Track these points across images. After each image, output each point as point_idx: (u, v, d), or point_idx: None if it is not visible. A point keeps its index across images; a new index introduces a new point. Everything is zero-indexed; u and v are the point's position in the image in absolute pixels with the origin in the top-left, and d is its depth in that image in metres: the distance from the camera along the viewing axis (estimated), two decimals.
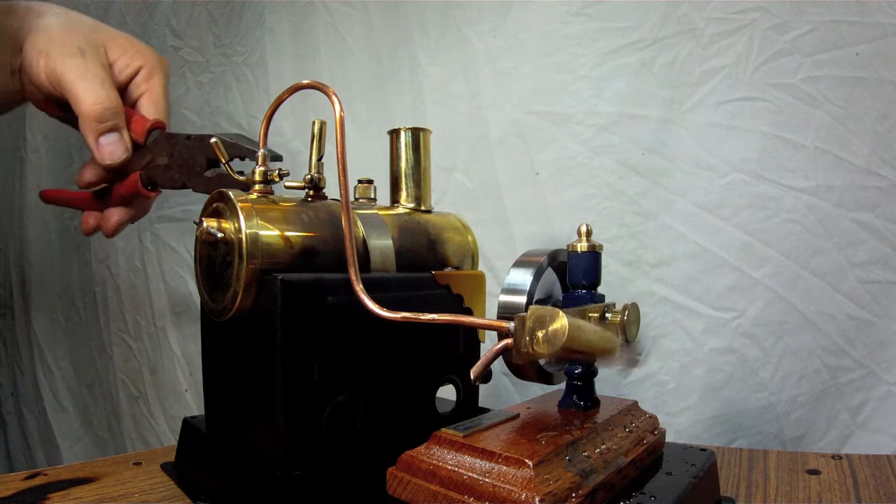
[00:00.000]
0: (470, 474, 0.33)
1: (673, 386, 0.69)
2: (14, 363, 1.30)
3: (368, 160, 0.82)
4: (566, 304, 0.44)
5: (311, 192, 0.48)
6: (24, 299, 1.23)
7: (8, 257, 1.27)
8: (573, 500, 0.32)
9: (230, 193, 0.43)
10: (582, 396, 0.43)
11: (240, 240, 0.41)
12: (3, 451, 1.36)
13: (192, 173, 0.55)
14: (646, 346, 0.69)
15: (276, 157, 0.49)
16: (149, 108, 0.59)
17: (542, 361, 0.44)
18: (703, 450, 0.45)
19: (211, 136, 0.50)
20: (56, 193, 0.65)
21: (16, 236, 1.23)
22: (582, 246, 0.42)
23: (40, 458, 1.23)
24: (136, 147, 0.58)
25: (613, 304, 0.43)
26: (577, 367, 0.43)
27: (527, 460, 0.32)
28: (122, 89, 0.58)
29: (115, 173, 0.59)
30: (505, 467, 0.33)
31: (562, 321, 0.31)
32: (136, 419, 1.06)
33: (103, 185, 0.61)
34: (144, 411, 1.04)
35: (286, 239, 0.43)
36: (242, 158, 0.52)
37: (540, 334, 0.31)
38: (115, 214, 0.61)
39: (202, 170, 0.54)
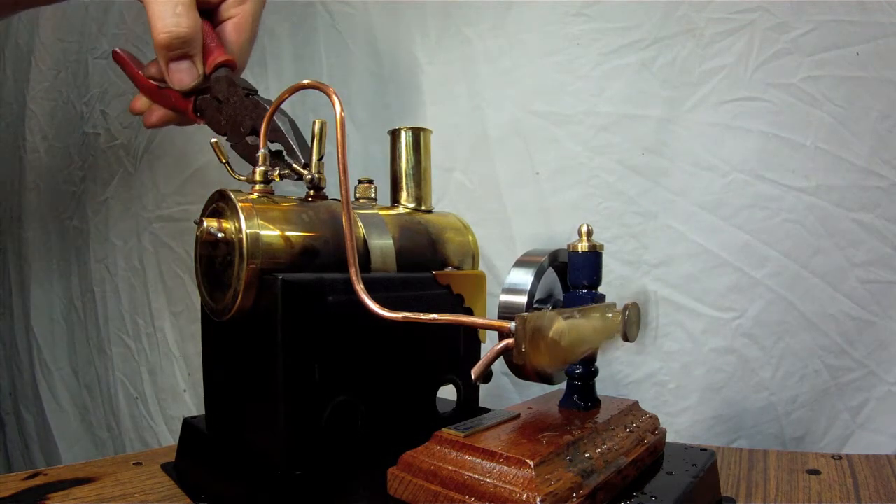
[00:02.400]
0: (471, 474, 0.33)
1: (673, 386, 0.69)
2: (13, 363, 1.29)
3: (369, 160, 0.82)
4: (567, 303, 0.44)
5: (312, 192, 0.48)
6: (22, 299, 1.23)
7: (7, 257, 1.27)
8: (574, 500, 0.32)
9: (230, 193, 0.43)
10: (583, 396, 0.43)
11: (240, 239, 0.41)
12: (2, 451, 1.35)
13: (234, 130, 0.54)
14: (645, 341, 0.69)
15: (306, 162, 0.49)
16: (231, 35, 0.57)
17: (543, 362, 0.44)
18: (704, 450, 0.45)
19: (268, 104, 0.48)
20: (127, 59, 0.62)
21: (15, 236, 1.23)
22: (582, 246, 0.42)
23: (39, 458, 1.23)
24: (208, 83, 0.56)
25: (614, 304, 0.42)
26: (577, 367, 0.43)
27: (528, 460, 0.32)
28: (213, 9, 0.56)
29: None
30: (506, 467, 0.33)
31: (562, 321, 0.31)
32: (135, 419, 1.06)
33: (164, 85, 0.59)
34: (143, 412, 1.04)
35: (287, 239, 0.43)
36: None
37: (541, 335, 0.31)
38: (161, 112, 0.60)
39: (245, 132, 0.53)
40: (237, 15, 0.57)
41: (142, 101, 0.61)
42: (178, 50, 0.53)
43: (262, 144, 0.47)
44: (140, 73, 0.60)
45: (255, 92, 0.54)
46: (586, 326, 0.36)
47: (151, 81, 0.59)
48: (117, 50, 0.62)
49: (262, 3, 0.60)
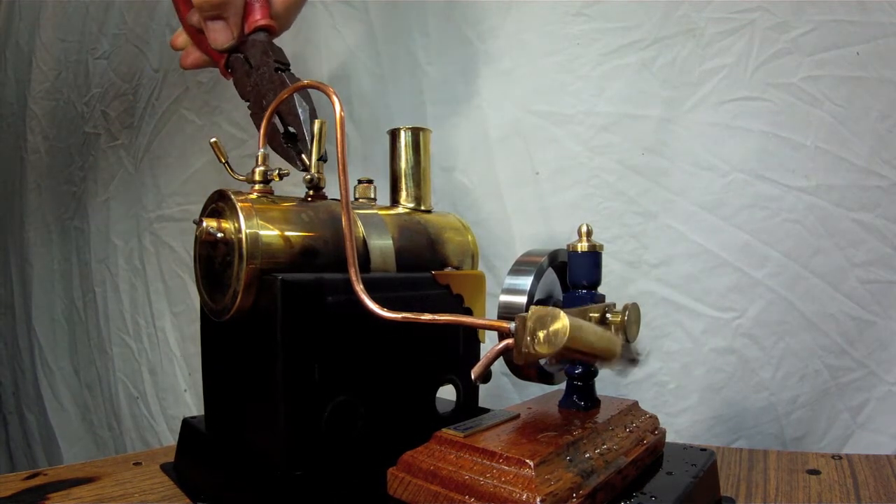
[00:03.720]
0: (470, 474, 0.33)
1: (673, 386, 0.69)
2: (15, 363, 1.30)
3: (369, 160, 0.82)
4: (566, 304, 0.44)
5: (311, 192, 0.48)
6: (24, 299, 1.23)
7: (8, 257, 1.27)
8: (574, 500, 0.32)
9: (230, 193, 0.43)
10: (582, 396, 0.43)
11: (240, 240, 0.41)
12: (5, 450, 1.36)
13: (257, 101, 0.54)
14: (646, 345, 0.69)
15: (323, 158, 0.49)
16: None
17: (542, 362, 0.44)
18: (704, 450, 0.45)
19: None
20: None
21: (16, 236, 1.23)
22: (582, 246, 0.42)
23: (41, 457, 1.23)
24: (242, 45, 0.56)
25: (614, 305, 0.42)
26: (577, 368, 0.43)
27: (528, 460, 0.32)
28: None
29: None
30: (506, 467, 0.33)
31: (563, 321, 0.31)
32: (136, 419, 1.06)
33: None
34: (144, 411, 1.04)
35: (286, 239, 0.43)
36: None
37: (541, 334, 0.31)
38: (197, 55, 0.60)
39: (266, 107, 0.52)
40: None
41: (182, 38, 0.61)
42: (209, 11, 0.53)
43: (260, 144, 0.47)
44: (187, 10, 0.59)
45: (287, 67, 0.54)
46: (586, 326, 0.36)
47: (194, 26, 0.59)
48: None
49: None
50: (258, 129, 0.52)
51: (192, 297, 0.95)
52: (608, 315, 0.41)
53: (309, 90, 0.51)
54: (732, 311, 0.67)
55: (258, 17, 0.55)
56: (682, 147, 0.68)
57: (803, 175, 0.64)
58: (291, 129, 0.51)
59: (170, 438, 0.99)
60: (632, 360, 0.44)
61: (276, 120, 0.52)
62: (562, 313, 0.31)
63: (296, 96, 0.51)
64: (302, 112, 0.50)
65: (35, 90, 1.13)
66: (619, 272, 0.70)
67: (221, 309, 0.43)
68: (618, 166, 0.70)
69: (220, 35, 0.54)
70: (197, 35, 0.59)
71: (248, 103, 0.56)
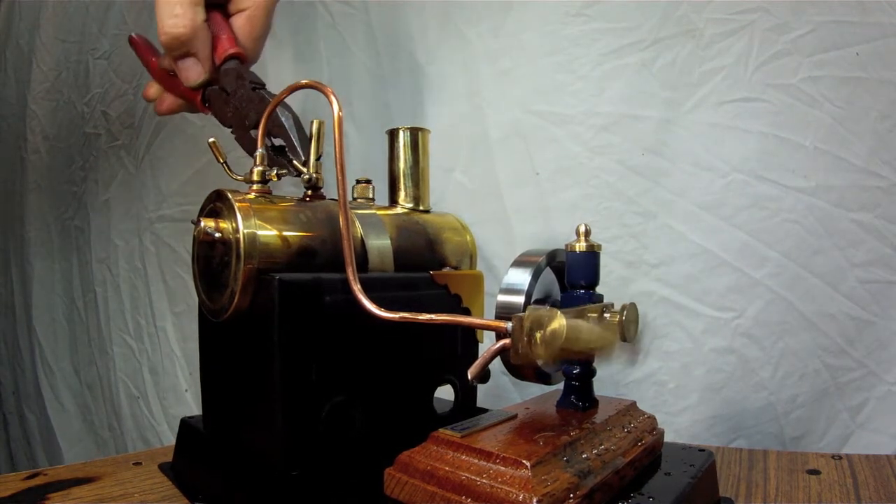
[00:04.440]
0: (467, 475, 0.33)
1: (673, 386, 0.69)
2: (15, 363, 1.30)
3: (368, 160, 0.82)
4: (564, 304, 0.43)
5: (310, 192, 0.48)
6: (24, 299, 1.23)
7: (8, 257, 1.27)
8: (571, 500, 0.32)
9: (227, 193, 0.43)
10: (580, 397, 0.43)
11: (237, 240, 0.41)
12: (5, 450, 1.36)
13: (239, 123, 0.54)
14: (644, 343, 0.69)
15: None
16: (243, 28, 0.57)
17: (539, 362, 0.44)
18: (702, 450, 0.45)
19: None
20: (143, 45, 0.62)
21: (16, 236, 1.23)
22: (580, 246, 0.42)
23: (41, 457, 1.23)
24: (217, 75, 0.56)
25: (612, 304, 0.42)
26: (575, 368, 0.43)
27: (524, 461, 0.32)
28: (226, 1, 0.57)
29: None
30: (502, 468, 0.33)
31: (559, 321, 0.31)
32: (137, 419, 1.06)
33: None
34: (145, 411, 1.04)
35: (284, 239, 0.43)
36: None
37: (538, 335, 0.31)
38: (170, 101, 0.61)
39: (250, 126, 0.53)
40: (249, 7, 0.57)
41: (154, 88, 0.62)
42: (177, 50, 0.54)
43: (259, 144, 0.47)
44: (154, 60, 0.60)
45: (262, 86, 0.54)
46: (584, 326, 0.36)
47: (164, 69, 0.59)
48: (133, 35, 0.63)
49: None
50: (244, 149, 0.52)
51: (193, 297, 0.95)
52: (606, 315, 0.41)
53: (306, 91, 0.51)
54: (732, 311, 0.66)
55: (227, 47, 0.55)
56: (681, 147, 0.68)
57: (803, 175, 0.63)
58: (277, 142, 0.51)
59: (171, 438, 0.98)
60: (629, 357, 0.44)
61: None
62: (558, 314, 0.31)
63: (278, 108, 0.51)
64: (286, 120, 0.50)
65: (35, 90, 1.14)
66: (619, 272, 0.70)
67: (219, 309, 0.43)
68: (618, 166, 0.70)
69: (192, 72, 0.55)
70: (168, 80, 0.59)
71: (230, 129, 0.56)
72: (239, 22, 0.57)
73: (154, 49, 0.61)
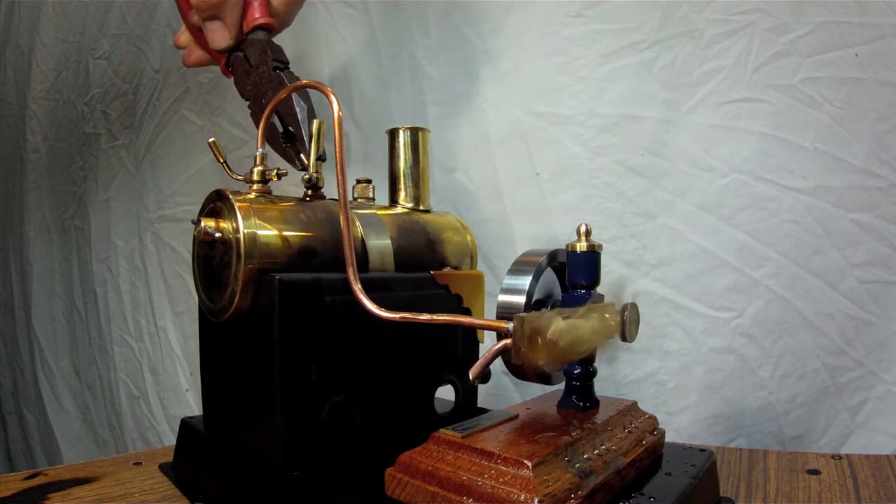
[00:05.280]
0: (468, 475, 0.33)
1: (672, 385, 0.69)
2: (14, 363, 1.30)
3: (369, 160, 0.82)
4: (565, 304, 0.43)
5: (310, 192, 0.48)
6: (24, 299, 1.23)
7: (8, 257, 1.27)
8: (572, 500, 0.32)
9: (228, 193, 0.43)
10: (581, 397, 0.43)
11: (238, 239, 0.41)
12: (4, 450, 1.36)
13: (257, 100, 0.54)
14: (644, 343, 0.69)
15: (321, 158, 0.49)
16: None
17: (541, 362, 0.44)
18: (703, 450, 0.45)
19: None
20: None
21: (16, 236, 1.23)
22: (581, 246, 0.42)
23: (41, 457, 1.23)
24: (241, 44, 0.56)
25: (613, 305, 0.42)
26: (576, 368, 0.43)
27: (526, 461, 0.32)
28: None
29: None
30: (504, 468, 0.33)
31: (557, 325, 0.31)
32: (137, 419, 1.06)
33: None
34: (145, 411, 1.04)
35: (284, 239, 0.43)
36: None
37: (538, 342, 0.31)
38: (199, 53, 0.61)
39: (265, 105, 0.52)
40: None
41: (185, 37, 0.62)
42: (205, 12, 0.54)
43: (259, 144, 0.47)
44: (189, 8, 0.59)
45: (286, 66, 0.54)
46: (584, 327, 0.36)
47: (195, 24, 0.59)
48: None
49: None
50: (257, 127, 0.52)
51: (193, 297, 0.95)
52: (607, 315, 0.41)
53: (308, 90, 0.51)
54: (731, 311, 0.67)
55: (257, 16, 0.55)
56: (681, 148, 0.68)
57: (802, 176, 0.64)
58: (291, 129, 0.52)
59: (171, 438, 0.98)
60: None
61: (276, 120, 0.52)
62: (557, 318, 0.31)
63: (294, 96, 0.51)
64: (300, 111, 0.51)
65: (35, 90, 1.13)
66: (619, 272, 0.70)
67: (219, 309, 0.43)
68: (618, 167, 0.70)
69: (218, 35, 0.55)
70: (198, 34, 0.59)
71: (247, 102, 0.56)
72: None
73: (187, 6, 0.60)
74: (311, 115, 0.51)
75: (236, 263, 0.41)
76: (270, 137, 0.53)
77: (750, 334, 0.66)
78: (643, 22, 0.68)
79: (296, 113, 0.51)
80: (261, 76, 0.54)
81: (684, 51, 0.67)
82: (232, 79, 0.58)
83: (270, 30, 0.56)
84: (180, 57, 0.62)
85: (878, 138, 0.61)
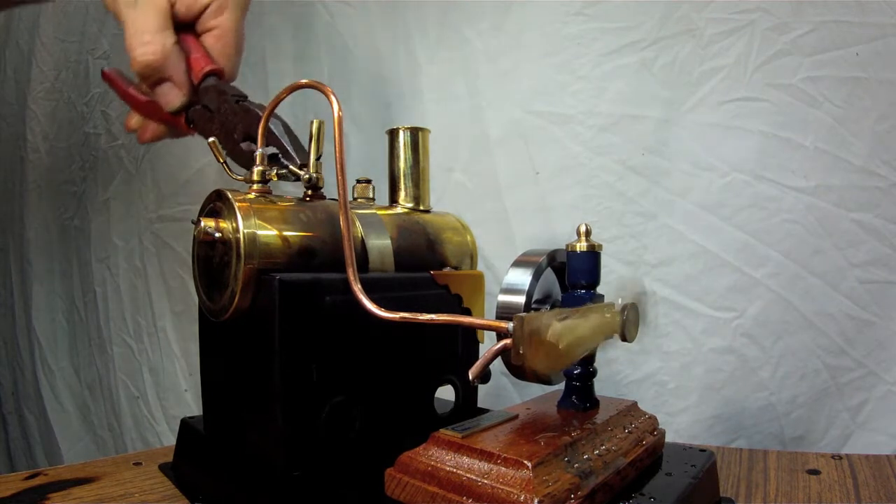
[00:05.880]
0: (468, 475, 0.33)
1: (673, 386, 0.69)
2: (14, 363, 1.30)
3: (367, 160, 0.82)
4: (565, 304, 0.43)
5: (310, 192, 0.48)
6: (24, 299, 1.23)
7: (8, 257, 1.27)
8: (572, 501, 0.32)
9: (227, 193, 0.43)
10: (581, 397, 0.43)
11: (237, 239, 0.41)
12: (5, 450, 1.36)
13: (228, 137, 0.54)
14: (644, 343, 0.69)
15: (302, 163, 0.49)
16: (213, 45, 0.57)
17: (542, 368, 0.44)
18: (703, 450, 0.45)
19: (259, 109, 0.49)
20: (116, 77, 0.62)
21: (16, 236, 1.23)
22: (581, 245, 0.42)
23: (41, 457, 1.23)
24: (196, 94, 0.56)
25: (613, 305, 0.42)
26: (576, 368, 0.43)
27: (525, 461, 0.32)
28: (193, 21, 0.57)
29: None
30: (503, 468, 0.33)
31: (554, 328, 0.31)
32: (137, 419, 1.06)
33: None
34: (144, 411, 1.04)
35: (284, 239, 0.43)
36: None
37: (538, 343, 0.31)
38: (153, 128, 0.61)
39: (239, 139, 0.53)
40: (217, 26, 0.57)
41: (135, 118, 0.62)
42: (152, 77, 0.54)
43: (259, 144, 0.47)
44: (130, 90, 0.60)
45: (244, 97, 0.54)
46: (584, 327, 0.36)
47: (142, 97, 0.59)
48: (106, 70, 0.63)
49: (242, 12, 0.60)
50: (238, 163, 0.52)
51: (193, 297, 0.95)
52: (607, 315, 0.41)
53: (306, 91, 0.51)
54: (732, 311, 0.67)
55: (203, 65, 0.55)
56: (681, 147, 0.68)
57: (802, 175, 0.64)
58: (270, 151, 0.51)
59: (170, 438, 0.98)
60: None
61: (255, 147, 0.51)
62: (555, 322, 0.31)
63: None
64: (275, 128, 0.50)
65: (35, 90, 1.13)
66: (619, 272, 0.70)
67: (219, 309, 0.43)
68: (618, 166, 0.70)
69: (171, 96, 0.55)
70: (147, 107, 0.59)
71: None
72: (209, 41, 0.57)
73: (128, 79, 0.61)
74: (288, 127, 0.51)
75: (236, 263, 0.41)
76: (229, 145, 0.53)
77: (750, 334, 0.66)
78: (643, 21, 0.68)
79: (272, 131, 0.50)
80: (225, 114, 0.54)
81: (685, 50, 0.67)
82: (195, 134, 0.58)
83: (220, 76, 0.56)
84: (137, 136, 0.62)
85: (879, 138, 0.61)
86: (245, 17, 0.60)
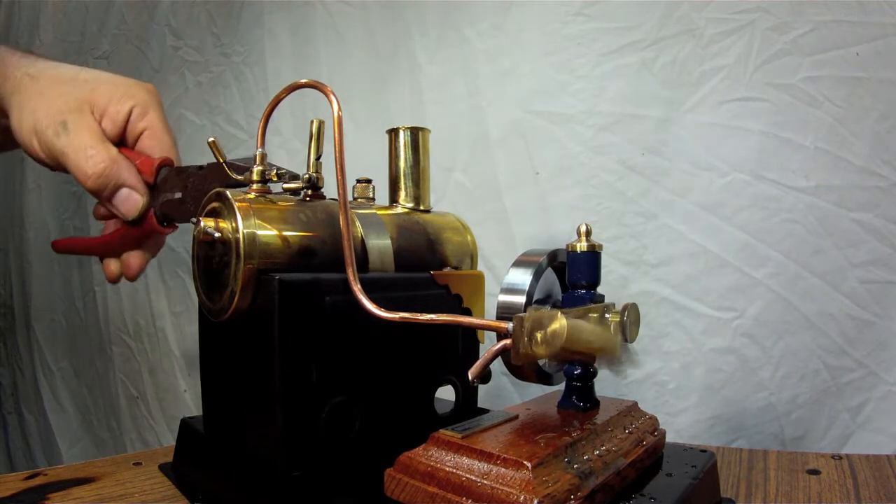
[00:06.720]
0: (468, 476, 0.33)
1: (673, 386, 0.69)
2: (14, 363, 1.30)
3: (367, 160, 0.82)
4: (565, 304, 0.43)
5: (310, 192, 0.48)
6: (24, 299, 1.23)
7: (8, 257, 1.27)
8: (572, 501, 0.32)
9: (227, 193, 0.43)
10: (581, 397, 0.43)
11: (237, 239, 0.41)
12: (4, 450, 1.36)
13: (203, 195, 0.52)
14: (644, 343, 0.69)
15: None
16: (152, 144, 0.57)
17: (541, 362, 0.44)
18: (704, 451, 0.45)
19: (222, 161, 0.47)
20: (68, 243, 0.61)
21: (16, 236, 1.23)
22: (581, 245, 0.42)
23: (40, 457, 1.23)
24: (149, 187, 0.55)
25: (613, 305, 0.42)
26: (576, 368, 0.43)
27: (525, 462, 0.32)
28: (121, 133, 0.56)
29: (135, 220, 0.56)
30: (503, 469, 0.33)
31: (560, 322, 0.31)
32: (136, 419, 1.06)
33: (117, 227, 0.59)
34: (144, 411, 1.04)
35: (284, 239, 0.43)
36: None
37: (538, 335, 0.31)
38: (135, 258, 0.59)
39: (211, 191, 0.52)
40: (147, 126, 0.57)
41: (112, 264, 0.60)
42: (109, 187, 0.53)
43: (259, 144, 0.47)
44: (88, 240, 0.59)
45: (203, 166, 0.53)
46: (585, 325, 0.36)
47: (105, 235, 0.59)
48: (55, 241, 0.63)
49: (161, 104, 0.59)
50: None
51: (193, 298, 0.95)
52: (608, 315, 0.41)
53: (306, 91, 0.51)
54: (732, 311, 0.66)
55: (153, 161, 0.55)
56: (681, 147, 0.68)
57: (803, 175, 0.63)
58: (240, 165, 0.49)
59: (170, 439, 0.99)
60: (630, 358, 0.44)
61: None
62: (559, 314, 0.31)
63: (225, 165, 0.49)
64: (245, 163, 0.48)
65: None
66: (619, 272, 0.70)
67: (219, 309, 0.43)
68: (618, 166, 0.70)
69: (131, 200, 0.54)
70: (118, 242, 0.58)
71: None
72: (146, 143, 0.57)
73: (81, 237, 0.60)
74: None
75: (236, 263, 0.41)
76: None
77: (751, 334, 0.66)
78: (643, 20, 0.68)
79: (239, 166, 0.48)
80: (195, 186, 0.52)
81: (685, 49, 0.67)
82: (174, 230, 0.57)
83: (170, 165, 0.56)
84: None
85: (879, 137, 0.61)
86: (163, 112, 0.60)
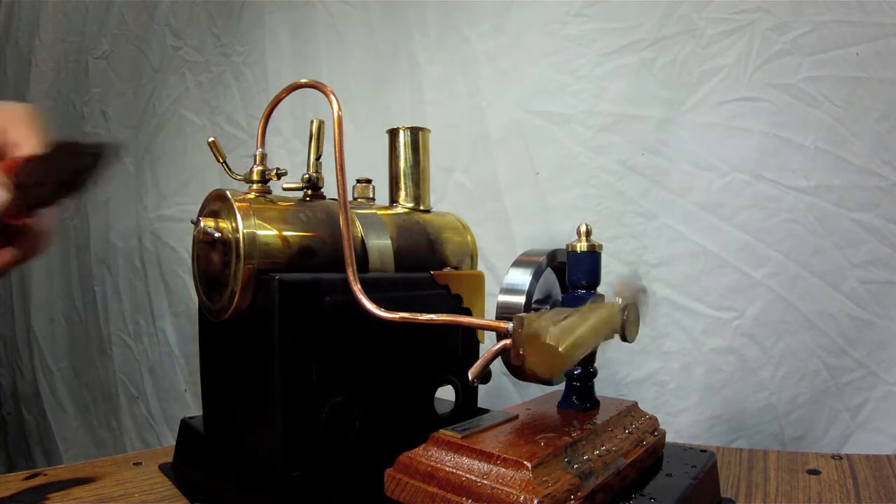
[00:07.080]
0: (468, 476, 0.33)
1: (673, 386, 0.69)
2: (14, 363, 1.30)
3: (367, 160, 0.82)
4: (565, 304, 0.43)
5: (310, 192, 0.48)
6: (23, 299, 1.23)
7: None
8: (572, 501, 0.32)
9: (227, 193, 0.43)
10: (581, 397, 0.43)
11: (237, 239, 0.41)
12: (4, 450, 1.36)
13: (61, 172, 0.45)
14: (644, 343, 0.69)
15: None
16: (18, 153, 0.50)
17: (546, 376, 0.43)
18: (704, 451, 0.45)
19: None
20: None
21: None
22: (581, 245, 0.42)
23: (40, 458, 1.23)
24: (18, 186, 0.47)
25: (613, 304, 0.42)
26: (576, 368, 0.43)
27: (525, 462, 0.32)
28: None
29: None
30: (503, 469, 0.33)
31: (553, 336, 0.31)
32: (136, 419, 1.06)
33: None
34: (144, 411, 1.04)
35: (284, 239, 0.43)
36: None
37: (538, 346, 0.31)
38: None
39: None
40: (8, 143, 0.48)
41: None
42: None
43: (258, 144, 0.47)
44: None
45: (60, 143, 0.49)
46: (584, 328, 0.36)
47: None
48: None
49: (28, 118, 0.50)
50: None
51: (193, 297, 0.95)
52: (605, 313, 0.41)
53: (305, 91, 0.51)
54: (732, 311, 0.66)
55: (15, 161, 0.47)
56: (681, 147, 0.68)
57: (803, 175, 0.63)
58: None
59: (170, 438, 0.99)
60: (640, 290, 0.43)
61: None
62: (552, 327, 0.31)
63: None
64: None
65: (34, 89, 1.14)
66: (619, 272, 0.70)
67: (219, 309, 0.43)
68: (618, 166, 0.70)
69: None
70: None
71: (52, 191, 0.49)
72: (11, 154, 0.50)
73: None
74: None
75: (236, 263, 0.41)
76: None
77: (751, 334, 0.66)
78: (643, 21, 0.68)
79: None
80: (49, 170, 0.45)
81: (685, 50, 0.67)
82: (44, 223, 0.52)
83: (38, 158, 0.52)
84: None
85: (879, 137, 0.61)
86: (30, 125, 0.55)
